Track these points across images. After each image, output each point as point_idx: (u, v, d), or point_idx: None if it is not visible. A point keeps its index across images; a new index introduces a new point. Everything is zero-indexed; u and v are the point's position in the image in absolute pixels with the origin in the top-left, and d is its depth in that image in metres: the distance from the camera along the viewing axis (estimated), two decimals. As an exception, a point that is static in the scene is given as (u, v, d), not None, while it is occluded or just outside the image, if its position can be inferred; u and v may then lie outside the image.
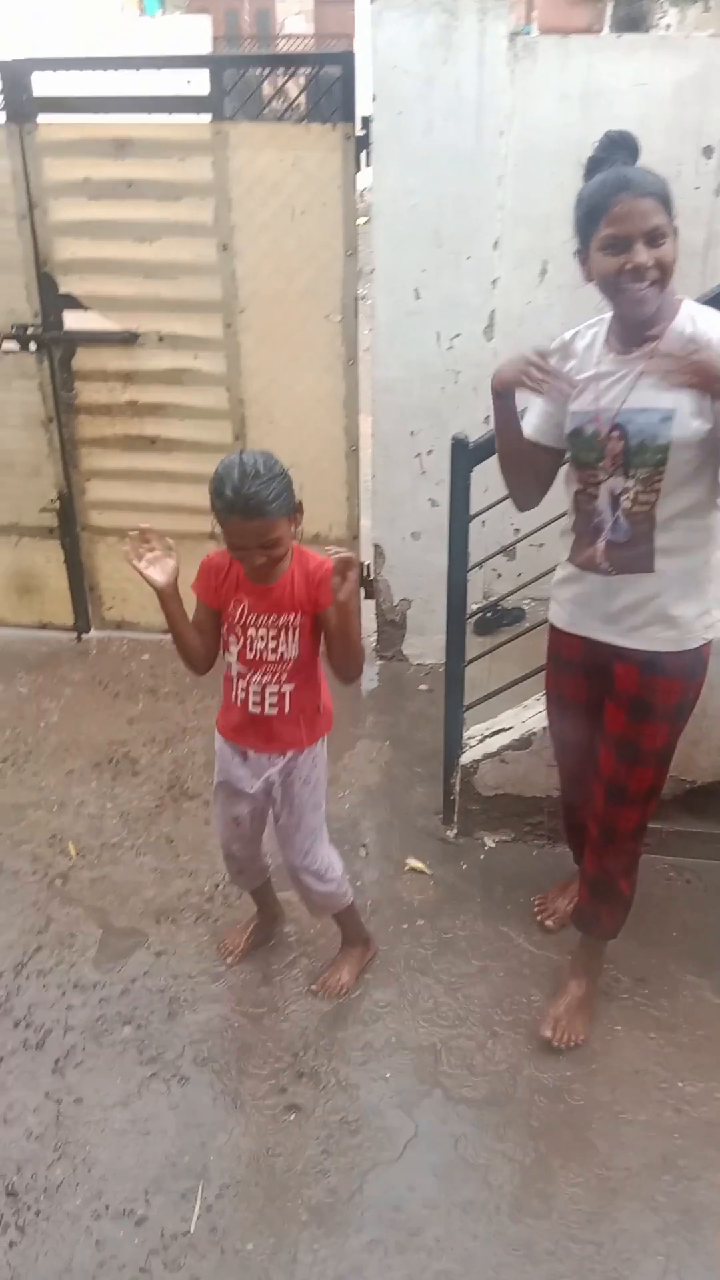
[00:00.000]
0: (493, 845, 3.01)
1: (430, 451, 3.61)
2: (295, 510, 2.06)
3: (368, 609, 4.03)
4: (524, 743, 2.86)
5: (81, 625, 4.22)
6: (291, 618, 2.16)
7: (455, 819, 3.03)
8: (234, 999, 2.53)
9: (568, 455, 2.14)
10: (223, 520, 2.00)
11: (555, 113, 3.18)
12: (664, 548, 2.03)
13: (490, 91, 3.14)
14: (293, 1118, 2.23)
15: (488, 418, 2.61)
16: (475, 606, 3.24)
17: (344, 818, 3.12)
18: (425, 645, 3.89)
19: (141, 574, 2.10)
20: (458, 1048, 2.39)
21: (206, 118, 3.36)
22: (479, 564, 2.98)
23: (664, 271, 1.90)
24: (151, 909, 2.82)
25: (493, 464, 2.69)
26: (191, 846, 3.05)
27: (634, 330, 1.99)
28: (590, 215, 1.92)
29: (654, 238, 1.87)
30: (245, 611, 2.18)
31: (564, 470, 2.21)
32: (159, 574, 2.10)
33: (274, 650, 2.18)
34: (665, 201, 1.89)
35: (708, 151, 3.25)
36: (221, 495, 1.97)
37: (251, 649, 2.19)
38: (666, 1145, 2.17)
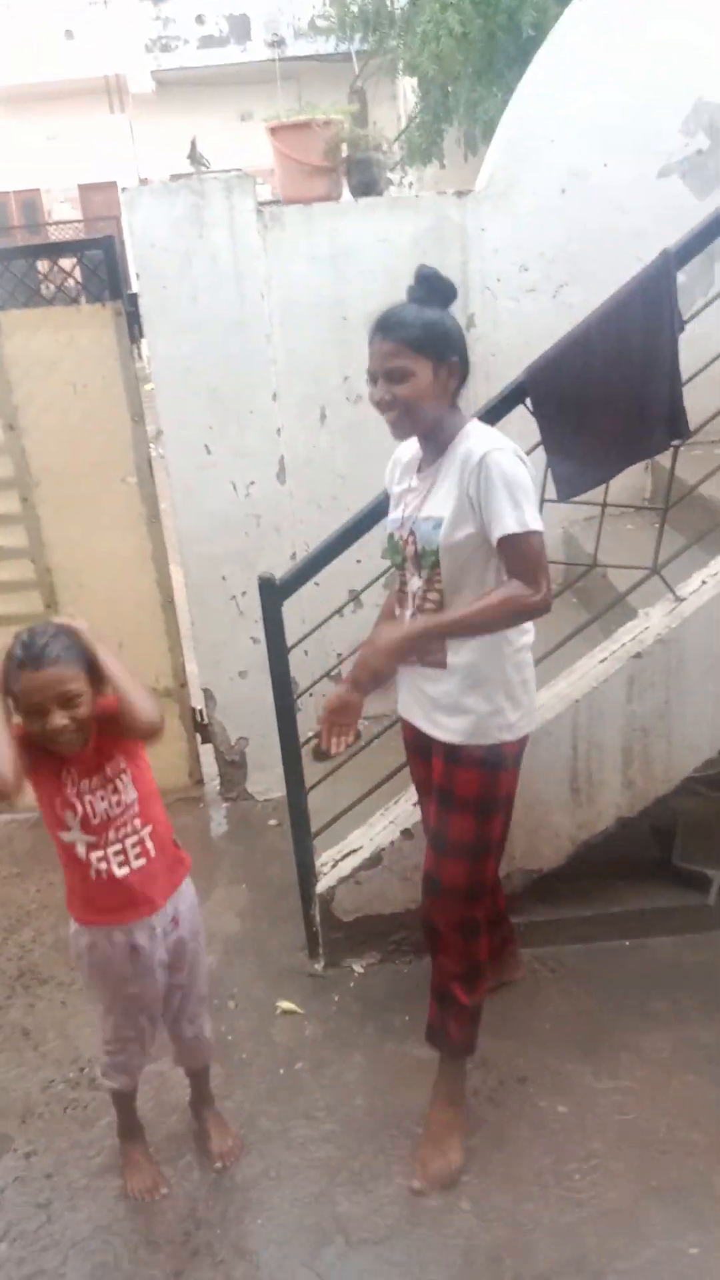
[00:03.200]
0: (361, 970, 2.99)
1: (244, 593, 3.71)
2: (93, 670, 1.97)
3: (206, 753, 4.02)
4: (375, 860, 2.89)
5: None
6: (117, 761, 2.09)
7: (320, 950, 3.01)
8: (113, 1189, 2.38)
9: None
10: (14, 683, 1.92)
11: (309, 273, 3.44)
12: (453, 644, 2.19)
13: (246, 259, 3.38)
14: (193, 1302, 2.11)
15: (293, 554, 2.74)
16: (309, 734, 3.30)
17: (209, 971, 3.04)
18: (269, 780, 3.91)
19: None
20: (354, 1188, 2.32)
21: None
22: (305, 691, 3.06)
23: (405, 407, 2.10)
24: (15, 1109, 2.64)
25: (304, 595, 2.82)
26: (49, 1033, 2.89)
27: (424, 449, 2.24)
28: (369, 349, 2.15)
29: (394, 376, 2.09)
30: (75, 780, 2.06)
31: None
32: None
33: (115, 805, 2.10)
34: (417, 344, 2.08)
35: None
36: (10, 657, 1.92)
37: (95, 813, 2.08)
38: (574, 1247, 2.15)
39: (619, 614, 2.93)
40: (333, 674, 3.35)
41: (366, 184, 3.43)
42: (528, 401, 2.51)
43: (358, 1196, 2.30)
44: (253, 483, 3.63)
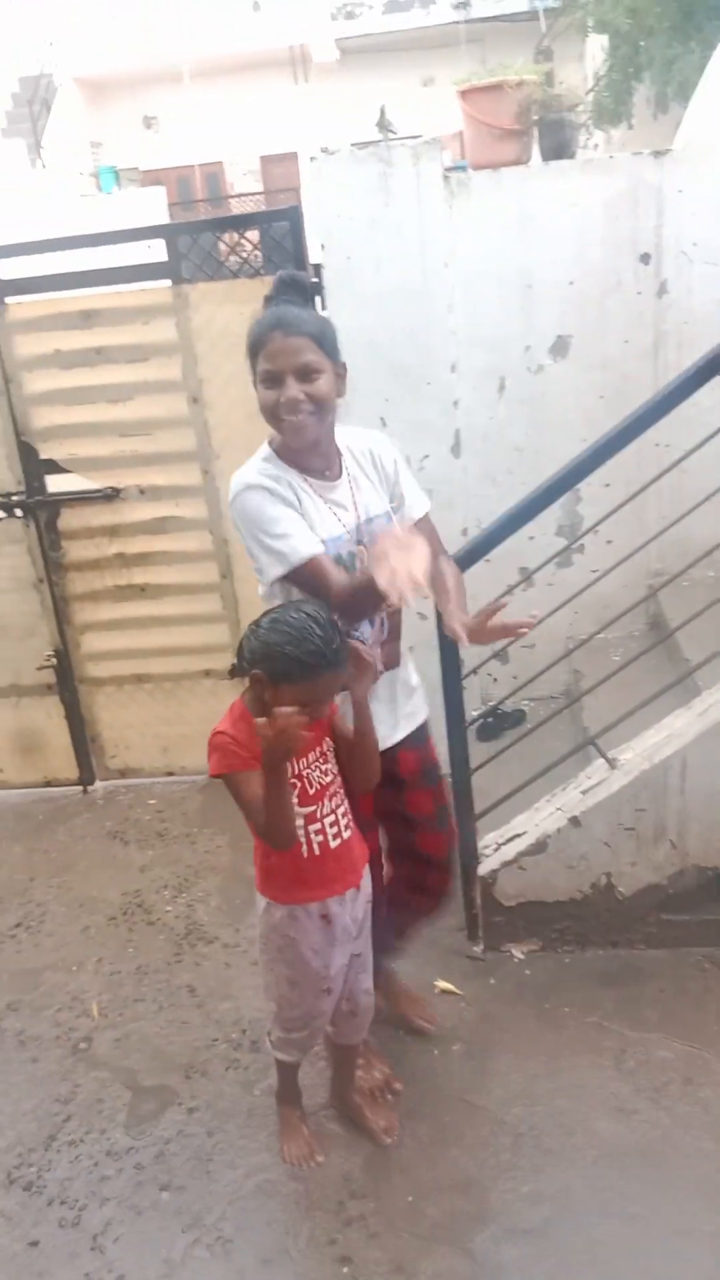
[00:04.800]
0: (521, 957, 2.94)
1: (413, 568, 3.67)
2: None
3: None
4: (540, 846, 2.83)
5: (86, 778, 4.21)
6: (325, 741, 2.11)
7: (480, 933, 2.97)
8: (271, 1150, 2.43)
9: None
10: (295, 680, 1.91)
11: (494, 240, 3.35)
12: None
13: (431, 228, 3.32)
14: (346, 1270, 2.12)
15: (464, 530, 2.70)
16: (475, 713, 3.25)
17: (367, 945, 3.06)
18: (431, 759, 3.88)
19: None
20: (510, 1177, 2.29)
21: (166, 282, 3.54)
22: (473, 671, 3.01)
23: (318, 404, 2.01)
24: (180, 1064, 2.73)
25: (474, 571, 2.76)
26: (214, 992, 2.97)
27: (309, 458, 2.10)
28: (251, 351, 2.06)
29: (305, 373, 1.99)
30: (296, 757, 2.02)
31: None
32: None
33: (325, 774, 2.09)
34: (320, 340, 2.00)
35: (645, 259, 3.42)
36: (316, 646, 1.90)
37: (311, 784, 2.06)
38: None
39: None
40: (499, 653, 3.28)
41: (558, 146, 3.30)
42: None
43: (509, 1184, 2.27)
44: (427, 456, 3.59)
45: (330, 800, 2.10)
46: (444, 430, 3.55)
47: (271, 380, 2.02)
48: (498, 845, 2.92)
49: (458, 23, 16.46)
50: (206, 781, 4.08)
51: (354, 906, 2.19)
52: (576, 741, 3.11)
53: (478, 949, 2.98)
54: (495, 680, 3.79)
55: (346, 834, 2.13)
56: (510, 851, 2.87)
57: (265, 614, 2.00)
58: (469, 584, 2.80)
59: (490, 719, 3.66)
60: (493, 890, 2.90)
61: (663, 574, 3.27)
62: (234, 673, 2.19)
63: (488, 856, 2.92)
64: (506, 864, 2.86)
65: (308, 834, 2.07)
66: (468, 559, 2.70)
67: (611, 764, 2.79)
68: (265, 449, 2.18)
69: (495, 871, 2.88)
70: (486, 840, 2.95)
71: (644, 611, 3.64)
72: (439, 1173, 2.32)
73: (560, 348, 3.48)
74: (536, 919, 2.92)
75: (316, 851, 2.09)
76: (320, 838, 2.08)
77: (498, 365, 3.51)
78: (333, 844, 2.10)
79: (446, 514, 3.59)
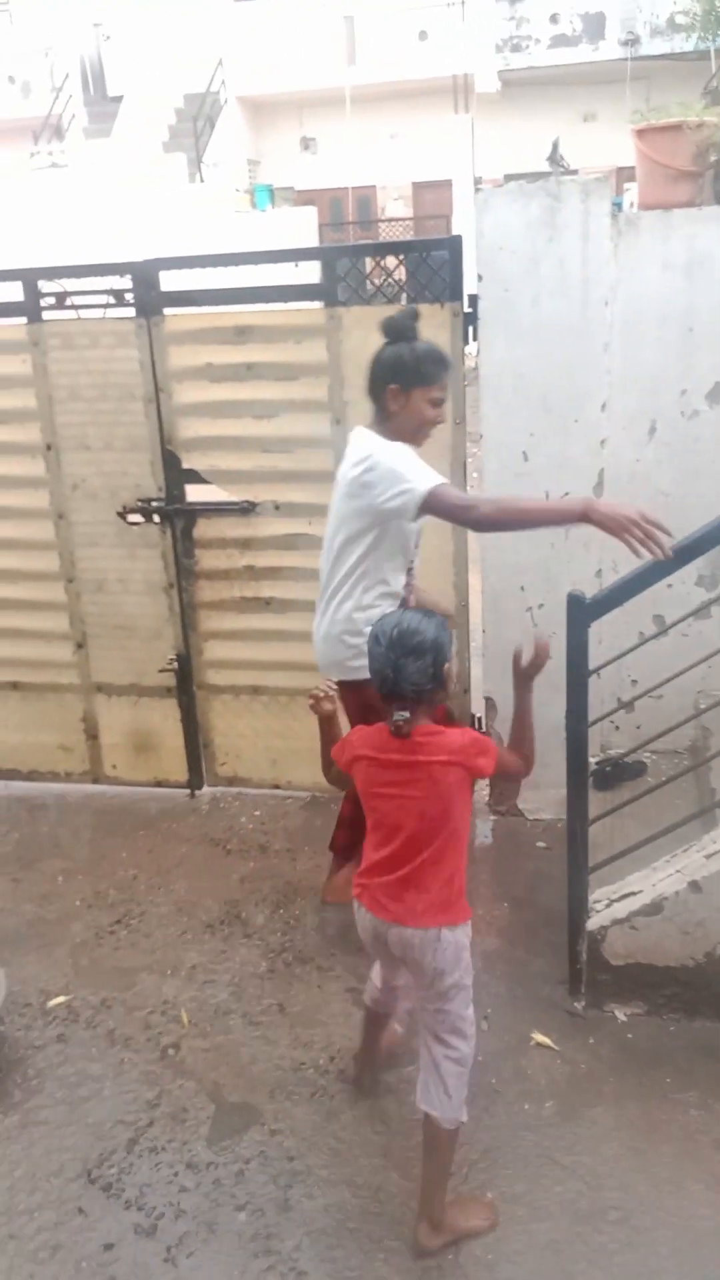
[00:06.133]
0: (624, 1019, 2.83)
1: (541, 605, 3.61)
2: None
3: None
4: (655, 908, 2.72)
5: (195, 782, 4.26)
6: None
7: (583, 990, 2.87)
8: (352, 1185, 2.39)
9: (414, 542, 2.96)
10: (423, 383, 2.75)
11: (659, 281, 3.28)
12: None
13: (595, 265, 3.26)
14: (420, 1325, 2.07)
15: (599, 571, 2.64)
16: (594, 761, 3.16)
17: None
18: (541, 799, 3.80)
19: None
20: (593, 1232, 2.20)
21: (319, 303, 3.57)
22: (600, 719, 2.92)
23: None
24: (265, 1083, 2.71)
25: (607, 618, 2.70)
26: (304, 1015, 2.95)
27: None
28: (428, 375, 2.77)
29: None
30: None
31: (387, 550, 2.85)
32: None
33: None
34: None
35: None
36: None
37: None
38: None
39: None
40: (625, 705, 3.19)
41: (733, 189, 3.22)
42: None
43: (598, 1239, 2.17)
44: (567, 493, 3.52)
45: None
46: (588, 469, 3.48)
47: (436, 404, 2.82)
48: (609, 901, 2.83)
49: (624, 59, 16.36)
50: (311, 798, 4.08)
51: None
52: (700, 801, 3.00)
53: (579, 1005, 2.88)
54: (618, 729, 3.68)
55: None
56: (623, 910, 2.77)
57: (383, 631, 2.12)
58: (599, 630, 2.74)
59: (609, 768, 3.56)
60: (600, 947, 2.81)
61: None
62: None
63: (598, 912, 2.82)
64: (618, 921, 2.77)
65: None
66: (608, 603, 2.63)
67: (738, 830, 2.67)
68: (379, 436, 2.82)
69: (605, 928, 2.78)
70: (598, 895, 2.86)
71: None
72: (517, 1229, 2.24)
73: (718, 394, 3.37)
74: (644, 982, 2.81)
75: None
76: None
77: (650, 407, 3.42)
78: None
79: (580, 553, 3.54)
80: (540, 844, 3.71)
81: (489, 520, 2.71)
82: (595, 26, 16.69)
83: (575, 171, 3.38)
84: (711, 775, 3.13)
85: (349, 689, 2.70)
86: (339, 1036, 2.83)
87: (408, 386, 2.76)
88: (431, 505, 2.66)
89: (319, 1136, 2.53)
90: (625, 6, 16.35)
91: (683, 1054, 2.69)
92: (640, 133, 3.29)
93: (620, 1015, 2.84)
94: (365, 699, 2.47)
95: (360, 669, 2.41)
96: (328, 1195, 2.37)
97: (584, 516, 2.46)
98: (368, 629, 2.23)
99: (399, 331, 2.82)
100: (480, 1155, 2.44)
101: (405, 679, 2.04)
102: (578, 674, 2.68)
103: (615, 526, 2.42)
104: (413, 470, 2.68)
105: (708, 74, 10.77)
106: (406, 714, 2.06)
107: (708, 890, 2.65)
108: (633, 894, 2.78)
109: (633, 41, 16.22)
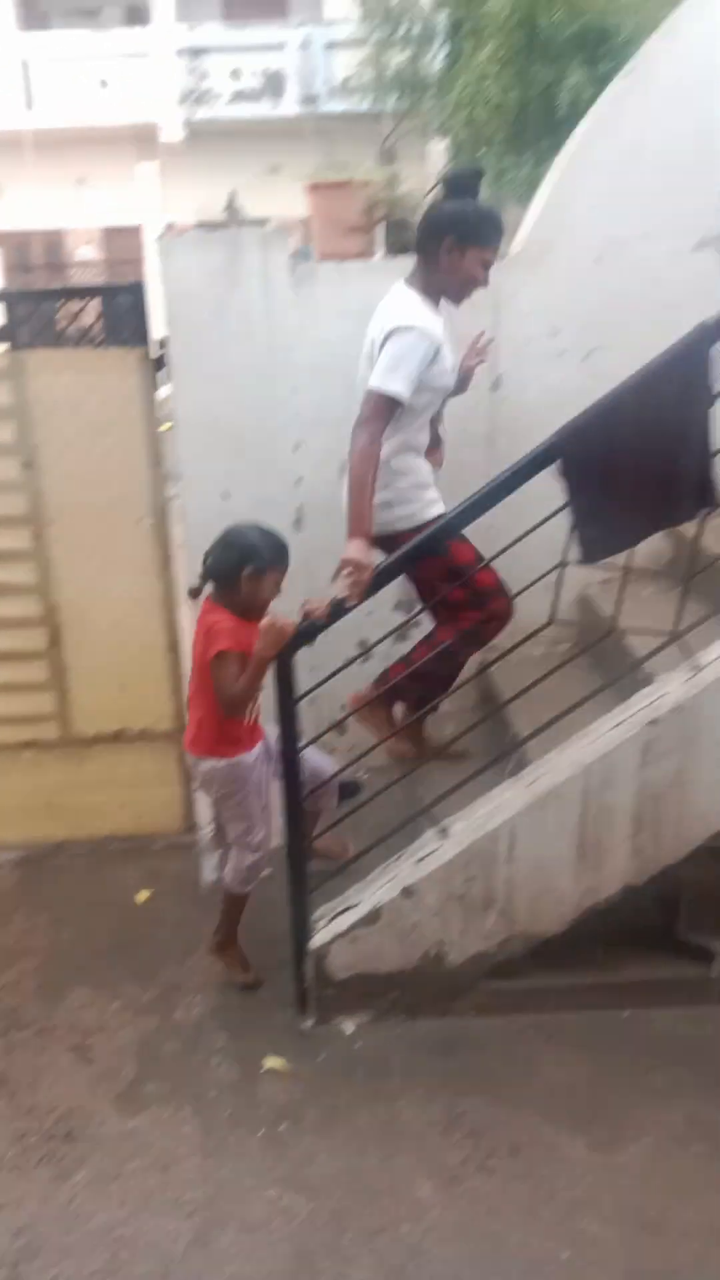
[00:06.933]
0: (352, 1030, 2.93)
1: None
2: None
3: (200, 801, 3.97)
4: (373, 917, 2.84)
5: None
6: None
7: (311, 1007, 2.95)
8: (100, 1244, 2.30)
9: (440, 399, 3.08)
10: (275, 565, 2.81)
11: (341, 328, 3.47)
12: None
13: (278, 312, 3.42)
14: None
15: (305, 601, 2.76)
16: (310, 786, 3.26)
17: (190, 1025, 2.98)
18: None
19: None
20: (333, 1258, 2.25)
21: (3, 346, 3.49)
22: (310, 742, 3.03)
23: None
24: (-12, 1158, 2.57)
25: (311, 648, 2.80)
26: (27, 1083, 2.81)
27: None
28: (483, 235, 2.84)
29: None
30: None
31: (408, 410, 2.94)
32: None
33: None
34: None
35: (481, 354, 3.62)
36: (278, 542, 2.85)
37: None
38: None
39: (635, 680, 2.91)
40: (338, 726, 3.32)
41: (402, 243, 3.48)
42: (557, 464, 2.52)
43: (334, 1265, 2.23)
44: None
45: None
46: (286, 505, 3.62)
47: (486, 266, 2.90)
48: (331, 916, 2.92)
49: (305, 116, 17.12)
50: (22, 858, 3.91)
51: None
52: (409, 811, 3.16)
53: (307, 1024, 2.95)
54: (334, 751, 3.81)
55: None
56: (343, 923, 2.87)
57: (222, 535, 2.85)
58: (308, 655, 2.85)
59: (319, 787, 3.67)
60: (324, 963, 2.89)
61: (495, 650, 3.40)
62: (194, 593, 2.97)
63: (320, 929, 2.91)
64: (339, 936, 2.86)
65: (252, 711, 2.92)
66: (311, 632, 2.74)
67: (443, 834, 2.85)
68: (415, 297, 2.92)
69: (328, 944, 2.87)
70: (320, 912, 2.95)
71: (477, 686, 3.77)
72: (261, 1256, 2.26)
73: (399, 433, 3.61)
74: (368, 991, 2.92)
75: (253, 720, 2.95)
76: (255, 713, 2.93)
77: (339, 447, 3.58)
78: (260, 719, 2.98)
79: (289, 585, 3.64)
80: (266, 871, 3.75)
81: (351, 463, 2.88)
82: (275, 84, 17.37)
83: (267, 220, 3.52)
84: (419, 787, 3.31)
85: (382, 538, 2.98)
86: (63, 1100, 2.72)
87: (464, 242, 2.83)
88: (364, 403, 2.86)
89: (48, 1204, 2.42)
90: (303, 68, 17.15)
91: (409, 1055, 2.82)
92: (312, 189, 3.49)
93: (348, 1027, 2.93)
94: (395, 546, 2.86)
95: (388, 520, 3.00)
96: (71, 1265, 2.27)
97: (351, 539, 2.79)
98: (399, 482, 3.01)
99: (462, 187, 2.86)
100: (217, 1190, 2.44)
101: (211, 557, 2.83)
102: (285, 701, 2.76)
103: (344, 564, 2.69)
104: (394, 367, 2.82)
105: (383, 131, 11.55)
106: (198, 583, 2.86)
107: (419, 894, 2.81)
108: (352, 907, 2.89)
109: (311, 100, 17.01)
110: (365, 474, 2.81)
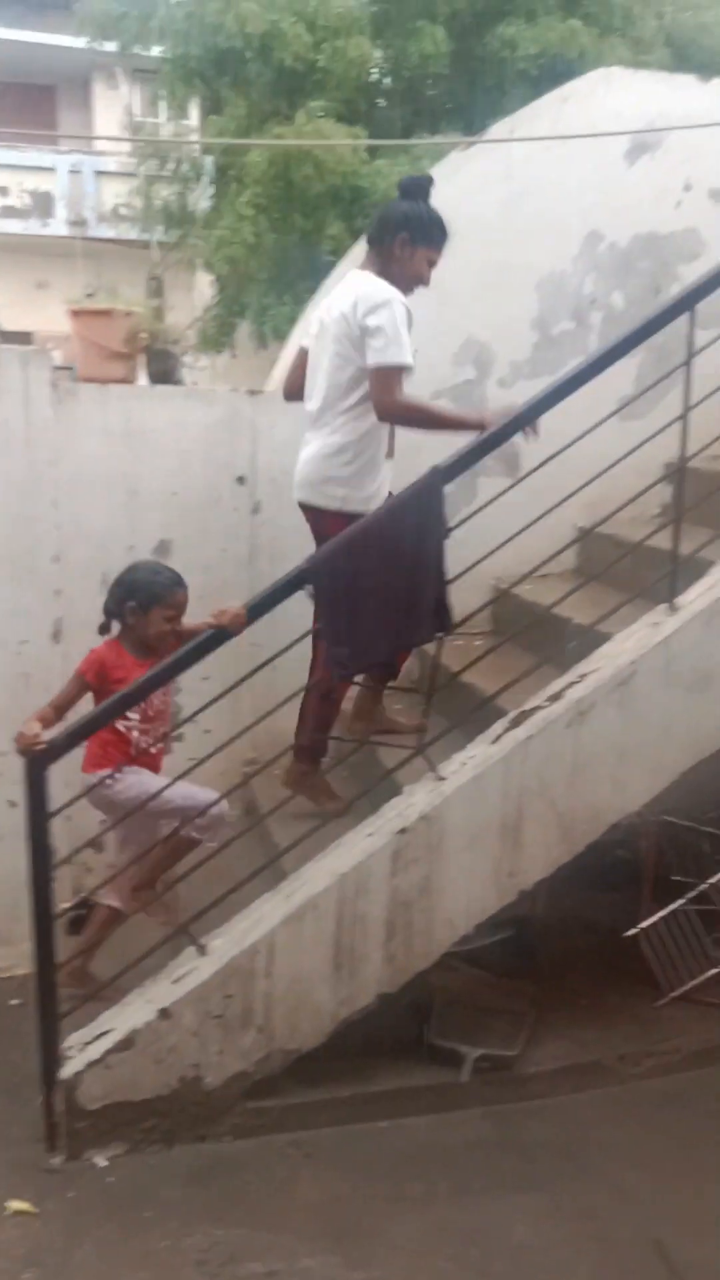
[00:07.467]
0: (105, 1163, 2.80)
1: (4, 754, 3.58)
2: None
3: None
4: (128, 1042, 2.76)
5: None
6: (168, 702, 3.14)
7: (61, 1142, 2.80)
8: None
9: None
10: (169, 596, 2.94)
11: (102, 447, 3.56)
12: None
13: (38, 428, 3.45)
14: None
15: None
16: (65, 905, 3.17)
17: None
18: (16, 955, 3.66)
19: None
20: None
21: None
22: (66, 859, 2.96)
23: None
24: None
25: (69, 758, 2.77)
26: None
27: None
28: (432, 238, 3.08)
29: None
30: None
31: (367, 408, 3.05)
32: None
33: (163, 704, 3.08)
34: None
35: (241, 480, 3.80)
36: (165, 578, 2.99)
37: (151, 707, 3.03)
38: None
39: (385, 790, 3.06)
40: (94, 842, 3.26)
41: (164, 372, 3.63)
42: (308, 588, 2.67)
43: None
44: (25, 641, 3.59)
45: (157, 725, 3.10)
46: (44, 617, 3.59)
47: (432, 265, 3.12)
48: (83, 1045, 2.81)
49: (74, 237, 17.37)
50: None
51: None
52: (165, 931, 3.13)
53: (56, 1160, 2.80)
54: (91, 871, 3.72)
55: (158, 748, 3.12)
56: (96, 1050, 2.77)
57: (121, 574, 3.04)
58: (63, 771, 2.81)
59: (82, 910, 3.56)
60: (75, 1094, 2.76)
61: (256, 762, 3.47)
62: (103, 630, 3.07)
63: (71, 1058, 2.79)
64: (92, 1064, 2.76)
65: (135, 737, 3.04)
66: (64, 746, 2.71)
67: (201, 950, 2.84)
68: (385, 281, 3.02)
69: (80, 1073, 2.75)
70: (70, 1040, 2.83)
71: (239, 798, 3.80)
72: None
73: (163, 549, 3.70)
74: (122, 1120, 2.81)
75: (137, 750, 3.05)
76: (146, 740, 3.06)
77: (101, 560, 3.64)
78: (152, 750, 3.11)
79: (42, 698, 3.55)
80: (14, 1001, 3.57)
81: (411, 419, 3.08)
82: (44, 204, 17.58)
83: (31, 335, 3.57)
84: (179, 902, 3.29)
85: (312, 512, 3.18)
86: None
87: (416, 241, 3.05)
88: (376, 382, 2.96)
89: None
90: (72, 192, 17.48)
91: (164, 1185, 2.72)
92: (75, 314, 3.59)
93: (100, 1161, 2.80)
94: (321, 529, 3.07)
95: (333, 498, 3.12)
96: None
97: (475, 426, 2.93)
98: (355, 459, 3.07)
99: (416, 191, 3.12)
100: None
101: (110, 594, 3.05)
102: (37, 816, 2.70)
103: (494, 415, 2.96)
104: (393, 339, 2.94)
105: (152, 258, 11.90)
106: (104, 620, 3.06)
107: (176, 1014, 2.77)
108: (105, 1033, 2.80)
109: (81, 223, 17.31)
110: (423, 410, 3.08)
